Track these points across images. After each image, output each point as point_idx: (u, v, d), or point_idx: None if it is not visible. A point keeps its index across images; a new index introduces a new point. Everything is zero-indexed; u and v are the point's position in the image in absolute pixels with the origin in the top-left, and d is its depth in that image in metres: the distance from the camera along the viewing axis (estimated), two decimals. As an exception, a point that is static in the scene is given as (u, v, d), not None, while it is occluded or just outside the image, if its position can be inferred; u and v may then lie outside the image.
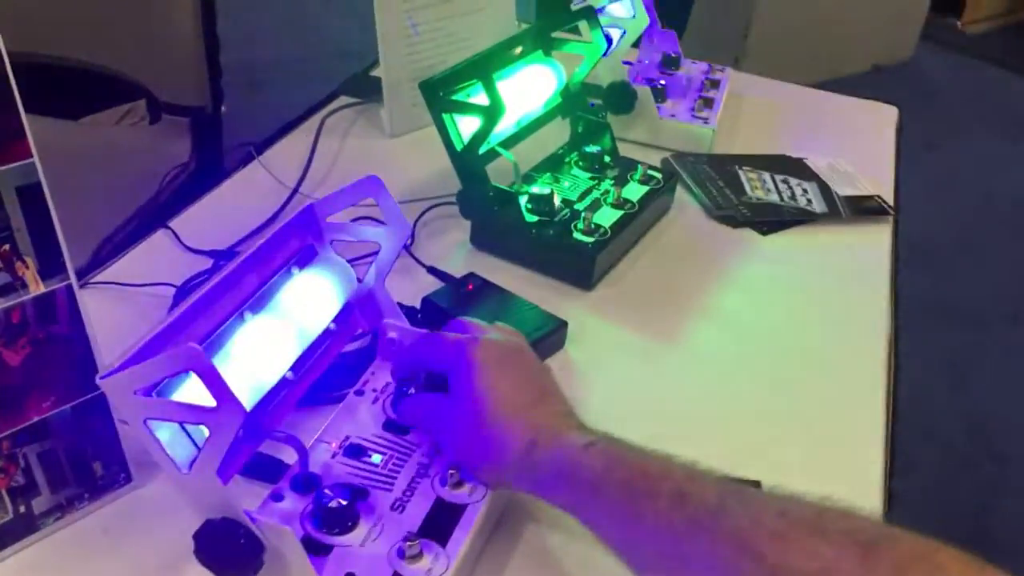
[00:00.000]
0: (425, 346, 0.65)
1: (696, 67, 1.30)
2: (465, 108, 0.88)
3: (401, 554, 0.55)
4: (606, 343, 0.84)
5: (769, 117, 1.29)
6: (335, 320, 0.67)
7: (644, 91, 1.14)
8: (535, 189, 0.92)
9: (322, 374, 0.66)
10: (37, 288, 0.55)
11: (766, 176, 1.11)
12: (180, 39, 1.71)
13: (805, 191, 1.09)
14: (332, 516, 0.57)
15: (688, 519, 0.49)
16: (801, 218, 1.04)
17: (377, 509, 0.59)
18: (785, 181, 1.10)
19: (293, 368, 0.62)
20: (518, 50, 0.97)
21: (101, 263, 0.87)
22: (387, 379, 0.69)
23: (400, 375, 0.68)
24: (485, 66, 0.89)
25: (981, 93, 3.58)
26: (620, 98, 1.13)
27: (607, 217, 0.92)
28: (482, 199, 0.90)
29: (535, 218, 0.90)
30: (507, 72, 0.94)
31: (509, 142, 0.96)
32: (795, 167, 1.15)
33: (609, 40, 1.09)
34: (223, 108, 1.86)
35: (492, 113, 0.87)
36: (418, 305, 0.82)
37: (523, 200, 0.91)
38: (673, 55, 1.27)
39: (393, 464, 0.62)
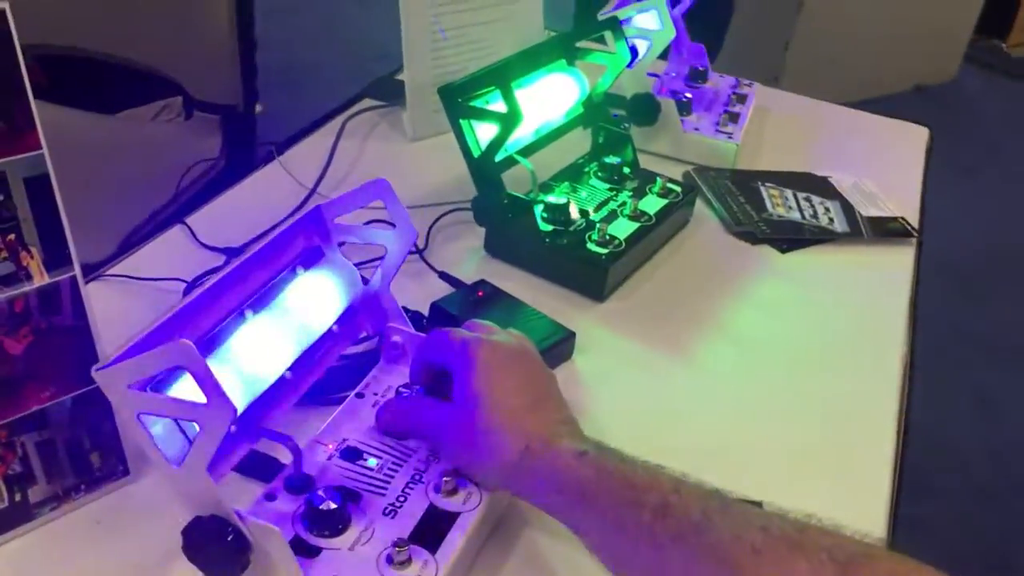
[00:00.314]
0: (431, 342, 0.64)
1: (724, 81, 1.29)
2: (482, 115, 0.88)
3: (389, 560, 0.55)
4: (615, 355, 0.83)
5: (796, 134, 1.28)
6: (338, 322, 0.67)
7: (668, 103, 1.13)
8: (551, 198, 0.92)
9: (324, 375, 0.66)
10: (41, 278, 0.56)
11: (788, 193, 1.10)
12: (216, 39, 1.74)
13: (827, 210, 1.07)
14: (322, 518, 0.56)
15: (670, 532, 0.49)
16: (821, 237, 1.02)
17: (369, 513, 0.58)
18: (808, 199, 1.09)
19: (292, 368, 0.62)
20: (540, 59, 0.97)
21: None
22: (389, 383, 0.69)
23: (414, 374, 0.68)
24: (504, 73, 0.89)
25: (1024, 117, 3.53)
26: (643, 110, 1.12)
27: (623, 229, 0.92)
28: (496, 206, 0.90)
29: (549, 227, 0.90)
30: (527, 80, 0.94)
31: (528, 150, 0.95)
32: (819, 185, 1.13)
33: (635, 51, 1.08)
34: (259, 107, 1.88)
35: (509, 121, 0.86)
36: (428, 310, 0.81)
37: (538, 209, 0.91)
38: (700, 68, 1.26)
39: (388, 469, 0.62)
